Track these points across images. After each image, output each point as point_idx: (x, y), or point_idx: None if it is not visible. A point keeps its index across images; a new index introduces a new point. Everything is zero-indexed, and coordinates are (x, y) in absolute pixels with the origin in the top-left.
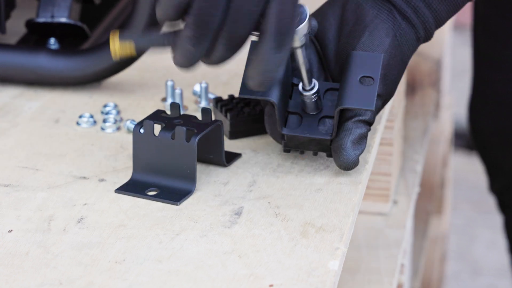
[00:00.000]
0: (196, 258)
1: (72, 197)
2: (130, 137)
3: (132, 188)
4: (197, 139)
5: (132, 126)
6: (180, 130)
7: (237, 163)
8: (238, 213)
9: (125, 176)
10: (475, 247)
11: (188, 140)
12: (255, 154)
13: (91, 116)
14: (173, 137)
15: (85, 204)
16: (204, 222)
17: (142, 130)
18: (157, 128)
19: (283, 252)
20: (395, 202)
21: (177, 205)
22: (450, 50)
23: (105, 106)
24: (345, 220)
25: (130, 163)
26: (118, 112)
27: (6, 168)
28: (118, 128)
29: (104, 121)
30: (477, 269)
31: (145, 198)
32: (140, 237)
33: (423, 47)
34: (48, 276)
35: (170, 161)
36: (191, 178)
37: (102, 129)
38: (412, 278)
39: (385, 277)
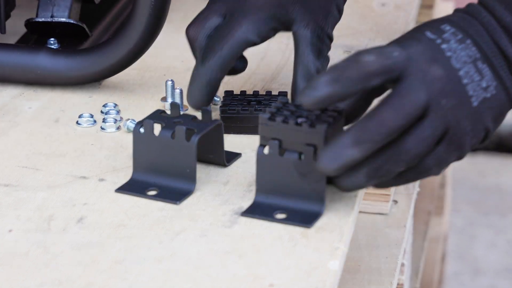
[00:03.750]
0: (196, 258)
1: (72, 197)
2: (130, 137)
3: (132, 188)
4: (197, 138)
5: (132, 126)
6: (180, 130)
7: (237, 163)
8: (238, 213)
9: (125, 176)
10: (475, 248)
11: (188, 139)
12: (255, 154)
13: (91, 116)
14: (173, 137)
15: (85, 204)
16: (204, 222)
17: (142, 130)
18: (157, 127)
19: (283, 252)
20: (395, 202)
21: (177, 204)
22: None
23: (105, 105)
24: (345, 219)
25: (130, 163)
26: (118, 112)
27: (6, 168)
28: (118, 128)
29: (104, 120)
30: (477, 269)
31: (145, 198)
32: (140, 237)
33: None
34: (48, 276)
35: (170, 160)
36: (191, 178)
37: (102, 128)
38: (412, 278)
39: (385, 277)
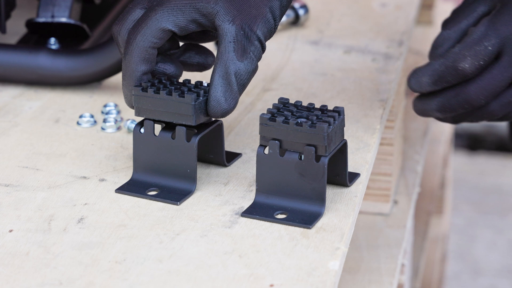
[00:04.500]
0: (196, 258)
1: (72, 197)
2: (130, 137)
3: (133, 188)
4: (197, 139)
5: (132, 126)
6: (181, 130)
7: (237, 163)
8: (239, 213)
9: (125, 176)
10: (475, 248)
11: (188, 140)
12: (255, 154)
13: (92, 116)
14: (173, 137)
15: (85, 204)
16: (204, 222)
17: (142, 130)
18: (157, 128)
19: (284, 252)
20: (395, 202)
21: (177, 205)
22: None
23: (105, 106)
24: (346, 220)
25: (130, 163)
26: (119, 112)
27: (7, 168)
28: (119, 128)
29: (105, 121)
30: (477, 269)
31: (146, 198)
32: (140, 237)
33: (423, 46)
34: (48, 276)
35: (170, 161)
36: (192, 178)
37: (103, 129)
38: (412, 278)
39: (386, 277)
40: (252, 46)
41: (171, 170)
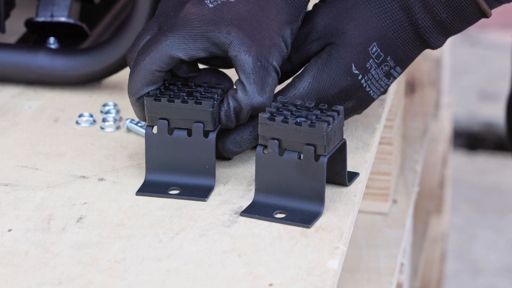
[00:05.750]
0: (195, 257)
1: (71, 196)
2: (129, 137)
3: (153, 189)
4: (215, 135)
5: (131, 126)
6: (198, 127)
7: (236, 163)
8: (238, 212)
9: (125, 175)
10: (475, 247)
11: (205, 136)
12: (255, 154)
13: (91, 115)
14: (189, 135)
15: (84, 203)
16: (203, 221)
17: (155, 130)
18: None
19: (283, 252)
20: (394, 201)
21: (205, 201)
22: (450, 49)
23: (104, 105)
24: (345, 219)
25: (129, 163)
26: (118, 112)
27: (6, 167)
28: (118, 128)
29: (104, 120)
30: (477, 268)
31: (169, 198)
32: (139, 236)
33: None
34: (48, 275)
35: (187, 158)
36: (211, 174)
37: (102, 128)
38: (411, 277)
39: (385, 277)
40: (270, 78)
41: (189, 168)
